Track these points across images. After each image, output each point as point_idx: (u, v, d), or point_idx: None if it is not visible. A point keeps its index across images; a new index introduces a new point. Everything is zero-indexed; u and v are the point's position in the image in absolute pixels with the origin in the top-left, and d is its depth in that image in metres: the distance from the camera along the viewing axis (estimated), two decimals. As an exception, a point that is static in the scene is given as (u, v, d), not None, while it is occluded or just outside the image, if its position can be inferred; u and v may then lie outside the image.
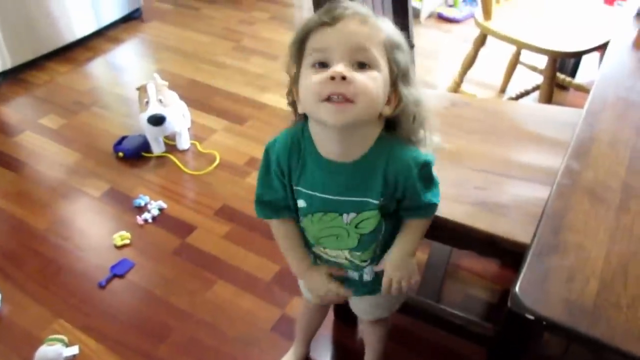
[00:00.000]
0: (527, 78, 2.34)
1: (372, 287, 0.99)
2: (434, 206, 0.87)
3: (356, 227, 0.85)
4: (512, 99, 2.19)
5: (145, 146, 2.06)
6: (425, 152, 0.82)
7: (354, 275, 0.98)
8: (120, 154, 2.03)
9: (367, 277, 0.98)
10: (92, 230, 1.78)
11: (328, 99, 0.71)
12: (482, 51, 2.07)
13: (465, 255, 1.63)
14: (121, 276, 1.60)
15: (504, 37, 1.85)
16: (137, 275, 1.61)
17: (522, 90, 2.20)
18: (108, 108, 2.35)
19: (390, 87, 0.76)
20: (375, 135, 0.79)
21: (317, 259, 0.99)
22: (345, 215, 0.84)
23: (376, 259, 0.94)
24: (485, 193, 1.19)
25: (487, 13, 1.90)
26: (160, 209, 1.83)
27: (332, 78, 0.70)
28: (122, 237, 1.71)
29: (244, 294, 1.55)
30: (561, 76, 2.22)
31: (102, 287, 1.57)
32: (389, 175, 0.80)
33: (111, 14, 2.86)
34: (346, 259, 0.93)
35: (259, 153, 2.02)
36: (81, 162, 2.04)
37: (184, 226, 1.77)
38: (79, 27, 2.70)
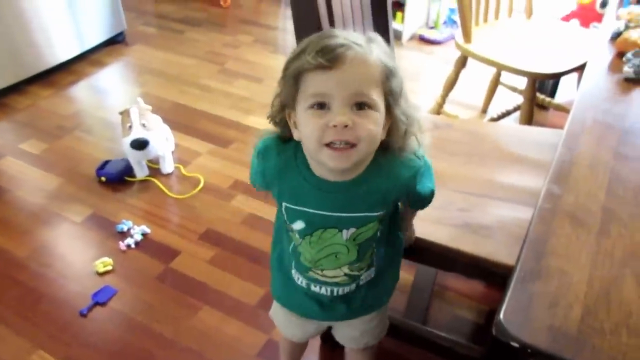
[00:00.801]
0: (508, 98, 2.38)
1: (364, 297, 0.97)
2: (433, 192, 0.90)
3: (355, 239, 0.85)
4: (494, 119, 2.22)
5: (128, 170, 2.04)
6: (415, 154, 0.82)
7: (349, 288, 0.95)
8: (103, 178, 2.01)
9: (362, 282, 0.96)
10: (74, 256, 1.75)
11: (329, 144, 0.72)
12: (464, 72, 2.11)
13: (451, 275, 1.63)
14: (103, 304, 1.57)
15: (483, 59, 1.88)
16: (120, 302, 1.58)
17: (504, 111, 2.24)
18: (91, 132, 2.33)
19: (385, 112, 0.76)
20: (371, 157, 0.79)
21: (310, 286, 0.96)
22: (345, 232, 0.83)
23: (372, 263, 0.93)
24: (468, 215, 1.20)
25: (467, 35, 1.93)
26: (144, 234, 1.80)
27: (334, 126, 0.70)
28: (104, 263, 1.69)
29: (230, 320, 1.53)
30: (541, 96, 2.26)
31: (83, 315, 1.53)
32: (387, 191, 0.82)
33: (94, 38, 2.85)
34: (345, 274, 0.91)
35: (243, 176, 2.06)
36: (63, 187, 2.02)
37: (168, 251, 1.75)
38: (62, 50, 2.69)
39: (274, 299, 1.09)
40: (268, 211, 1.90)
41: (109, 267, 1.68)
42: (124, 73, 2.84)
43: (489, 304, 1.57)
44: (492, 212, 1.22)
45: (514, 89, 2.30)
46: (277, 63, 2.82)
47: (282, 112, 0.80)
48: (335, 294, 0.95)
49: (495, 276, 1.07)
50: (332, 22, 1.11)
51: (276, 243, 1.03)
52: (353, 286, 0.95)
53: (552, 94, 2.40)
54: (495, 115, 2.24)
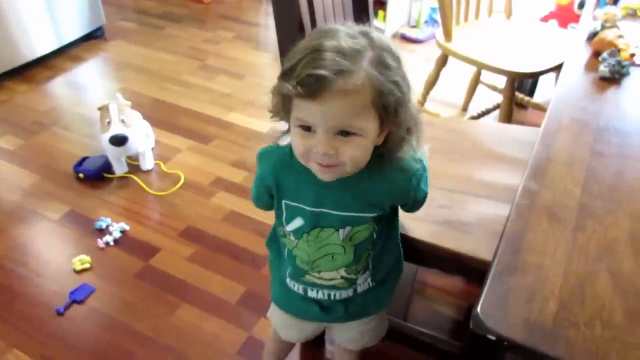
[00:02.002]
0: (488, 97, 2.40)
1: (364, 301, 0.97)
2: (425, 196, 0.90)
3: (350, 239, 0.86)
4: (474, 117, 2.24)
5: (107, 167, 2.01)
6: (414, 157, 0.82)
7: (347, 293, 0.95)
8: (81, 175, 1.98)
9: (361, 288, 0.96)
10: (51, 254, 1.72)
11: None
12: (444, 71, 2.12)
13: (432, 272, 1.64)
14: (81, 302, 1.55)
15: (464, 58, 1.90)
16: (98, 300, 1.56)
17: (484, 109, 2.26)
18: (69, 128, 2.29)
19: (379, 127, 0.74)
20: (366, 162, 0.77)
21: (307, 291, 0.96)
22: (341, 231, 0.84)
23: (368, 266, 0.93)
24: (449, 212, 1.21)
25: (447, 34, 1.95)
26: (122, 231, 1.78)
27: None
28: (81, 261, 1.66)
29: (210, 317, 1.52)
30: (520, 95, 2.29)
31: (60, 314, 1.51)
32: (382, 194, 0.83)
33: (72, 33, 2.81)
34: (342, 277, 0.91)
35: (224, 173, 2.04)
36: (39, 184, 1.98)
37: (147, 248, 1.73)
38: (39, 45, 2.64)
39: (272, 302, 1.08)
40: (249, 208, 1.89)
41: (87, 265, 1.66)
42: (102, 68, 2.80)
43: (469, 300, 1.58)
44: (472, 209, 1.23)
45: (494, 88, 2.32)
46: (258, 59, 2.81)
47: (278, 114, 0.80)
48: (332, 298, 0.95)
49: (475, 272, 1.08)
50: (313, 20, 1.10)
51: (272, 247, 1.03)
52: (350, 291, 0.95)
53: (531, 93, 2.44)
54: (475, 114, 2.26)
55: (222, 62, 2.82)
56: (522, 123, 2.25)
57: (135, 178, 2.01)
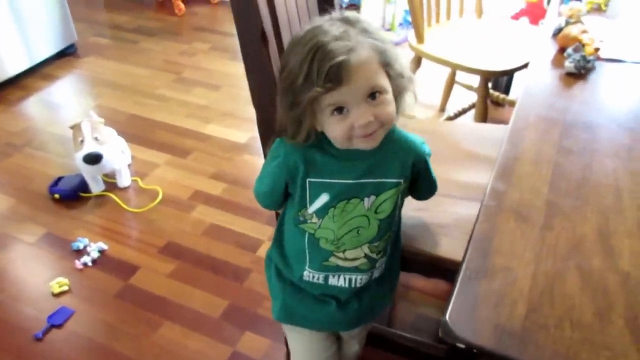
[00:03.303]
0: (465, 96, 2.41)
1: (373, 296, 1.00)
2: (436, 182, 1.00)
3: (376, 212, 0.89)
4: (451, 117, 2.25)
5: (82, 186, 1.98)
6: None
7: (366, 277, 0.96)
8: (57, 195, 1.95)
9: (377, 273, 0.98)
10: (27, 278, 1.69)
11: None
12: (420, 73, 2.12)
13: (413, 275, 1.63)
14: (59, 326, 1.52)
15: (436, 59, 1.90)
16: (77, 323, 1.53)
17: (460, 109, 2.27)
18: (43, 148, 2.26)
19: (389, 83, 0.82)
20: (395, 115, 0.84)
21: (327, 278, 0.96)
22: (366, 200, 0.88)
23: (387, 251, 0.97)
24: (426, 214, 1.20)
25: (419, 36, 1.95)
26: (101, 251, 1.75)
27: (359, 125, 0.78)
28: (59, 283, 1.63)
29: (192, 334, 1.49)
30: (495, 93, 2.30)
31: (38, 339, 1.48)
32: (404, 156, 0.89)
33: (44, 51, 2.77)
34: (365, 255, 0.93)
35: (203, 186, 2.02)
36: (14, 207, 1.94)
37: (127, 267, 1.70)
38: (10, 65, 2.60)
39: (279, 321, 1.06)
40: (229, 221, 1.87)
41: (65, 288, 1.63)
42: (76, 86, 2.76)
43: (453, 302, 1.58)
44: (448, 210, 1.22)
45: (470, 87, 2.33)
46: (234, 70, 2.80)
47: (298, 130, 0.84)
48: (353, 284, 0.96)
49: (454, 274, 1.07)
50: (275, 24, 1.09)
51: (271, 259, 1.03)
52: (367, 276, 0.96)
53: (507, 90, 2.45)
54: (452, 114, 2.26)
55: (198, 74, 2.80)
56: (499, 121, 2.26)
57: (113, 196, 1.98)
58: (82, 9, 3.49)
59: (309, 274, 0.96)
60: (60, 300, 1.59)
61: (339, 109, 0.78)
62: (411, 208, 1.23)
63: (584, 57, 1.10)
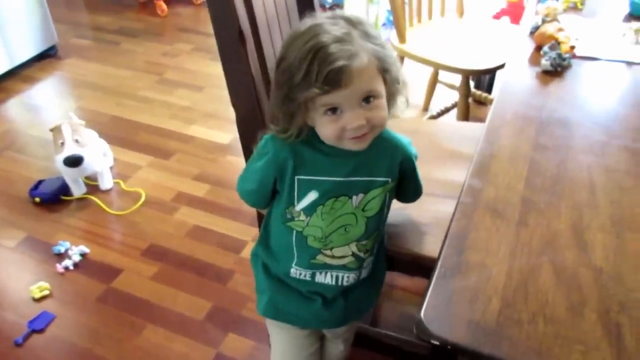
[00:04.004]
0: (448, 95, 2.42)
1: (359, 296, 1.00)
2: (421, 187, 1.02)
3: (363, 209, 0.90)
4: (434, 116, 2.26)
5: (64, 189, 1.96)
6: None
7: (353, 277, 0.96)
8: (37, 199, 1.92)
9: (365, 273, 0.98)
10: (7, 283, 1.66)
11: None
12: (404, 72, 2.12)
13: (397, 273, 1.63)
14: (41, 331, 1.50)
15: (418, 59, 1.91)
16: (59, 328, 1.51)
17: (443, 108, 2.28)
18: (23, 151, 2.23)
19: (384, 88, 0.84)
20: (387, 119, 0.86)
21: (314, 276, 0.95)
22: (354, 198, 0.88)
23: (374, 251, 0.97)
24: (407, 213, 1.20)
25: (401, 36, 1.96)
26: (82, 254, 1.73)
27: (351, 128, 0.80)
28: (40, 288, 1.61)
29: (176, 337, 1.48)
30: (477, 92, 2.32)
31: (19, 345, 1.46)
32: (392, 155, 0.90)
33: (25, 53, 2.74)
34: (353, 254, 0.93)
35: (186, 187, 2.01)
36: (-6, 211, 1.92)
37: (109, 270, 1.69)
38: (-11, 67, 2.57)
39: (264, 316, 1.05)
40: (213, 222, 1.86)
41: (46, 292, 1.61)
42: (57, 88, 2.73)
43: (436, 299, 1.58)
44: (430, 209, 1.22)
45: (452, 86, 2.34)
46: (217, 70, 2.75)
47: (289, 125, 0.84)
48: (340, 282, 0.96)
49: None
50: (253, 23, 1.09)
51: (257, 256, 1.03)
52: (355, 275, 0.97)
53: (489, 89, 2.47)
54: (435, 113, 2.27)
55: (180, 75, 2.78)
56: (482, 119, 2.27)
57: (94, 198, 1.96)
58: (63, 10, 3.46)
59: (296, 271, 0.96)
60: (41, 305, 1.58)
61: (333, 110, 0.80)
62: (393, 207, 1.23)
63: (559, 55, 1.11)
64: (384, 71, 0.81)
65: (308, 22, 0.81)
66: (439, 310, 0.63)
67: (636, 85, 1.11)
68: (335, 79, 0.75)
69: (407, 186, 0.98)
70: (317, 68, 0.75)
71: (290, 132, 0.84)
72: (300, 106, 0.80)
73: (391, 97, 0.85)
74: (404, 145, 0.93)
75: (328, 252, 0.93)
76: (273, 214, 0.97)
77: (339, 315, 1.01)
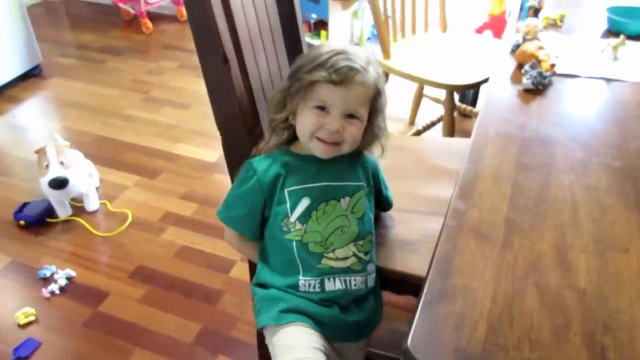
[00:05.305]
0: (433, 109, 2.44)
1: (372, 307, 1.03)
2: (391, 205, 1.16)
3: (352, 211, 0.98)
4: (419, 131, 2.28)
5: (49, 211, 1.94)
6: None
7: (361, 282, 0.98)
8: (22, 222, 1.90)
9: (371, 281, 1.01)
10: (-8, 310, 1.64)
11: (320, 138, 0.92)
12: (390, 86, 2.14)
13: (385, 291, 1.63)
14: (26, 358, 1.47)
15: (403, 74, 1.93)
16: (45, 355, 1.49)
17: (429, 122, 2.30)
18: (7, 173, 2.21)
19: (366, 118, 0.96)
20: (357, 143, 0.98)
21: (324, 284, 0.95)
22: (342, 201, 0.97)
23: (372, 257, 1.02)
24: (393, 232, 1.21)
25: (385, 52, 1.97)
26: (69, 278, 1.71)
27: (330, 129, 0.90)
28: (25, 314, 1.58)
29: (164, 360, 1.47)
30: (462, 106, 2.34)
31: (4, 373, 1.43)
32: (364, 165, 1.03)
33: (8, 73, 2.72)
34: (354, 254, 0.97)
35: (173, 207, 2.00)
36: (-23, 235, 1.89)
37: (96, 294, 1.67)
38: (-28, 89, 2.54)
39: (276, 323, 0.95)
40: (201, 242, 1.85)
41: (32, 318, 1.58)
42: (42, 108, 2.71)
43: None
44: (416, 227, 1.23)
45: (438, 100, 2.36)
46: (203, 88, 2.72)
47: (282, 109, 0.97)
48: (349, 286, 0.96)
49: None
50: (237, 46, 1.09)
51: (259, 287, 1.01)
52: (362, 279, 0.98)
53: (474, 102, 2.50)
54: (421, 127, 2.29)
55: (166, 92, 2.78)
56: (468, 132, 2.27)
57: (81, 220, 1.94)
58: (47, 29, 3.44)
59: (305, 283, 0.96)
60: (26, 331, 1.55)
61: (322, 107, 0.90)
62: (380, 225, 1.24)
63: (540, 74, 1.13)
64: (374, 104, 0.94)
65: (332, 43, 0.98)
66: (425, 338, 0.63)
67: (615, 102, 1.13)
68: (345, 74, 0.88)
69: (379, 196, 1.10)
70: (333, 60, 0.88)
71: (277, 118, 0.96)
72: (299, 90, 0.91)
73: (367, 132, 0.97)
74: (373, 158, 1.06)
75: (331, 255, 0.96)
76: (266, 238, 1.00)
77: (354, 324, 0.99)
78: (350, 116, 0.92)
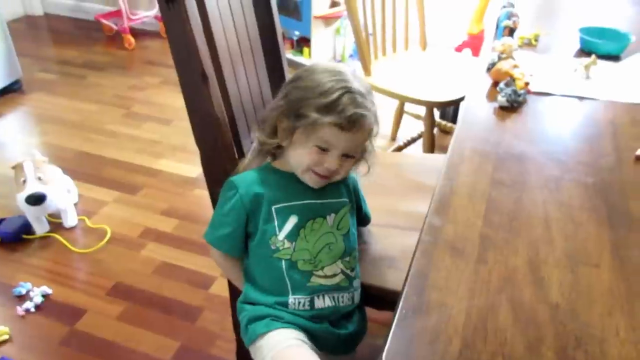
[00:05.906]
0: (414, 125, 2.47)
1: (359, 321, 1.04)
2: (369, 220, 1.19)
3: (338, 228, 0.99)
4: (400, 147, 2.30)
5: (25, 227, 1.91)
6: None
7: (348, 299, 0.99)
8: (-2, 239, 1.87)
9: (357, 298, 1.02)
10: (-36, 329, 1.59)
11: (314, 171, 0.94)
12: (368, 104, 2.17)
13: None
14: (-1, 379, 1.44)
15: (383, 91, 1.95)
16: (18, 375, 1.45)
17: (409, 138, 2.32)
18: (-17, 189, 2.17)
19: None
20: None
21: (313, 302, 0.95)
22: (328, 218, 0.98)
23: (357, 273, 1.03)
24: (372, 247, 1.21)
25: (366, 69, 2.00)
26: (45, 295, 1.68)
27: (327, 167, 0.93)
28: (-1, 333, 1.55)
29: (142, 380, 1.44)
30: (443, 122, 2.37)
31: (-25, 395, 1.39)
32: (345, 182, 1.05)
33: (-13, 88, 2.69)
34: (342, 271, 0.98)
35: (154, 223, 1.98)
36: (-49, 253, 1.85)
37: (72, 311, 1.64)
38: (-51, 103, 2.50)
39: (267, 331, 0.94)
40: (181, 258, 1.84)
41: (5, 337, 1.55)
42: (21, 123, 2.69)
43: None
44: (395, 242, 1.23)
45: (418, 117, 2.40)
46: None
47: (275, 133, 0.97)
48: (338, 302, 0.97)
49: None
50: (217, 63, 1.10)
51: (246, 305, 0.99)
52: (349, 296, 1.00)
53: (454, 118, 2.53)
54: (402, 143, 2.31)
55: (148, 108, 2.77)
56: (447, 149, 2.32)
57: (58, 236, 1.91)
58: (28, 44, 3.42)
59: (294, 301, 0.95)
60: (0, 351, 1.51)
61: (324, 149, 0.92)
62: (359, 241, 1.24)
63: (515, 92, 1.15)
64: (370, 137, 0.97)
65: (329, 64, 0.96)
66: (400, 353, 0.63)
67: (587, 120, 1.16)
68: (353, 122, 0.89)
69: (359, 212, 1.12)
70: (344, 105, 0.88)
71: (269, 142, 0.97)
72: (302, 125, 0.91)
73: (359, 158, 1.01)
74: (353, 175, 1.07)
75: (320, 272, 0.96)
76: (252, 256, 0.99)
77: (346, 337, 1.00)
78: (346, 156, 0.95)
